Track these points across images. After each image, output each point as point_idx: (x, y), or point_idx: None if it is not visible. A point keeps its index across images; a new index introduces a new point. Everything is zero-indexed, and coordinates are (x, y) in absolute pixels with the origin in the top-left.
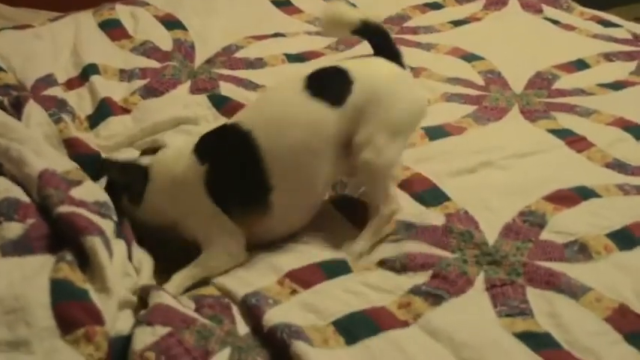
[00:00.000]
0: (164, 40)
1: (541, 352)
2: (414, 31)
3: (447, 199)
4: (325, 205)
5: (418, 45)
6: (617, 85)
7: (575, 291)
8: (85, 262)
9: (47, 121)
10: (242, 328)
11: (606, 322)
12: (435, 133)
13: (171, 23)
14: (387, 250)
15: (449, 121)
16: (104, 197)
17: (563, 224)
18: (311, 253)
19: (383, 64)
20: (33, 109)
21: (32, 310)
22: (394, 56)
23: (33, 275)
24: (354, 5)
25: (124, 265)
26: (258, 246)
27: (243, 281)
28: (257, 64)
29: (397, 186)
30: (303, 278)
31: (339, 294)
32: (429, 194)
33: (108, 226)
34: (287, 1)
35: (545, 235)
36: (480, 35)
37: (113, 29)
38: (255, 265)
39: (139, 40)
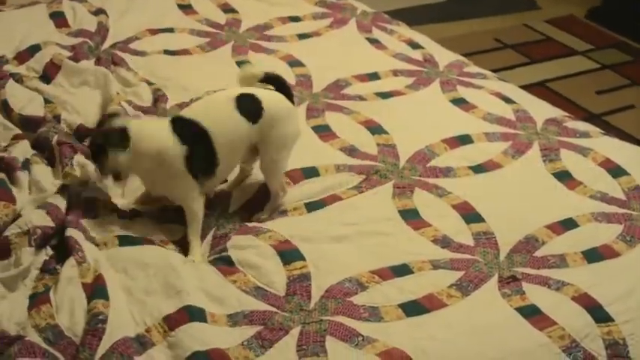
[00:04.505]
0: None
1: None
2: (269, 39)
3: None
4: None
5: (265, 50)
6: (387, 94)
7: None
8: None
9: None
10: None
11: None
12: None
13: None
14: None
15: None
16: None
17: None
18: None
19: (281, 100)
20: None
21: None
22: (288, 96)
23: None
24: (236, 12)
25: None
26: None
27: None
28: (141, 54)
29: None
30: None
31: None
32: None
33: None
34: (188, 5)
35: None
36: (312, 47)
37: (58, 19)
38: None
39: (74, 28)
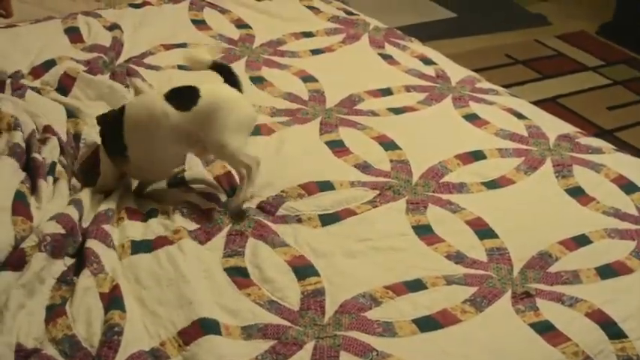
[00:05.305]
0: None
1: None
2: (282, 54)
3: None
4: None
5: (278, 65)
6: (400, 110)
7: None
8: None
9: None
10: None
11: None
12: None
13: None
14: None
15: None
16: None
17: None
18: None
19: (225, 89)
20: None
21: None
22: (236, 85)
23: None
24: (249, 27)
25: None
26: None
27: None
28: (155, 68)
29: None
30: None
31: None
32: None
33: None
34: (202, 20)
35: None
36: (325, 63)
37: (73, 34)
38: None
39: (89, 43)
